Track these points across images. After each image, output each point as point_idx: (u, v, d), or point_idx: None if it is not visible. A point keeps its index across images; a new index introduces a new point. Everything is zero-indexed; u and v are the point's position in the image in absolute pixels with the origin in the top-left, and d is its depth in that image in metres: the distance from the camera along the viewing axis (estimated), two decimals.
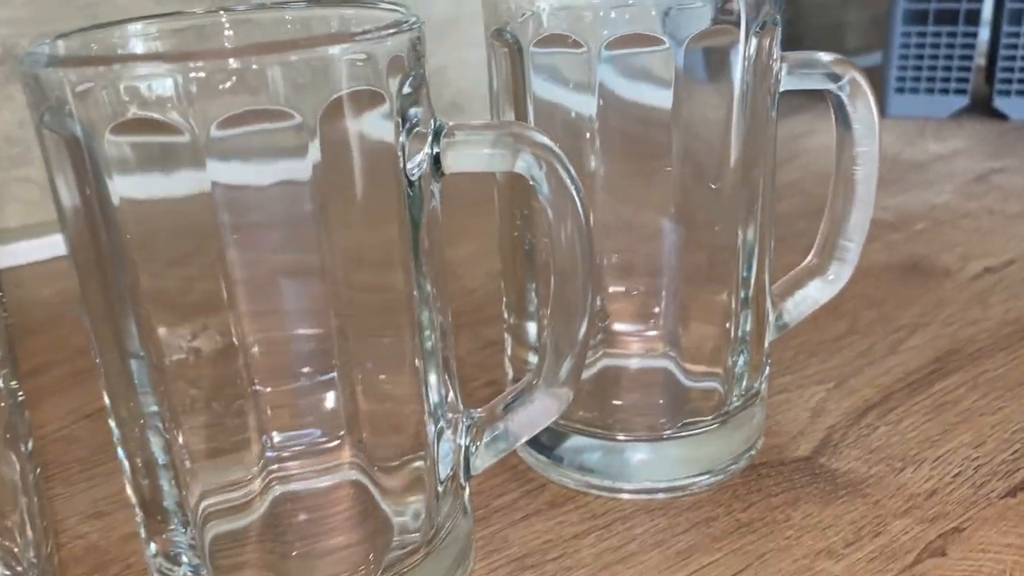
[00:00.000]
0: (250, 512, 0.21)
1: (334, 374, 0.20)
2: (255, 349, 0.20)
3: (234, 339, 0.19)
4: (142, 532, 0.22)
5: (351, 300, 0.20)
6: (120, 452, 0.22)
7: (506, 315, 0.29)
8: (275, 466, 0.21)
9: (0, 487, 0.19)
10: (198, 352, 0.19)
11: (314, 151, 0.18)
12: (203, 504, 0.21)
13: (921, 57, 0.66)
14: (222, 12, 0.21)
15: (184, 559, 0.22)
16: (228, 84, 0.17)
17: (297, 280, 0.20)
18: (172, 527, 0.21)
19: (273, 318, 0.20)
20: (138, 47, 0.21)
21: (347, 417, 0.21)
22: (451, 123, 0.21)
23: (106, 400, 0.21)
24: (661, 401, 0.28)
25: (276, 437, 0.21)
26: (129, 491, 0.22)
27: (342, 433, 0.21)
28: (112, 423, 0.21)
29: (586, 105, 0.24)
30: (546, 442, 0.28)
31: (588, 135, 0.24)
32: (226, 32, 0.21)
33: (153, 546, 0.22)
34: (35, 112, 0.18)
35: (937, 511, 0.26)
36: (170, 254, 0.19)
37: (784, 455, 0.29)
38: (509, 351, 0.29)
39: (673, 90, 0.24)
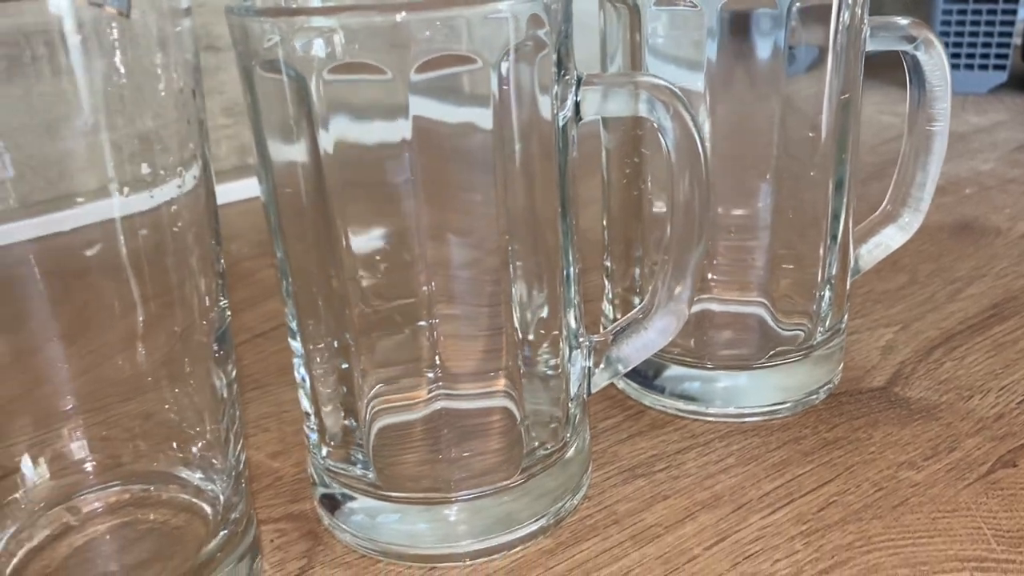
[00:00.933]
0: (413, 421, 0.25)
1: (499, 307, 0.23)
2: (433, 282, 0.22)
3: (419, 270, 0.22)
4: (313, 438, 0.25)
5: (517, 236, 0.23)
6: (302, 371, 0.25)
7: (608, 263, 0.32)
8: (439, 384, 0.24)
9: (212, 400, 0.22)
10: (387, 278, 0.23)
11: (493, 94, 0.21)
12: (375, 412, 0.24)
13: (961, 34, 0.69)
14: None
15: (356, 458, 0.25)
16: (426, 33, 0.20)
17: (473, 215, 0.22)
18: (349, 430, 0.25)
19: (450, 251, 0.23)
20: None
21: (507, 345, 0.24)
22: (587, 73, 0.24)
23: (292, 323, 0.24)
24: (753, 338, 0.30)
25: (443, 360, 0.24)
26: (306, 404, 0.25)
27: (499, 359, 0.24)
28: (297, 343, 0.24)
29: (696, 67, 0.27)
30: (647, 373, 0.31)
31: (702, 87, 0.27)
32: None
33: (324, 450, 0.25)
34: (244, 60, 0.21)
35: (1005, 431, 0.29)
36: (368, 191, 0.22)
37: (861, 386, 0.32)
38: (610, 295, 0.32)
39: (781, 50, 0.26)
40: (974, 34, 0.68)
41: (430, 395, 0.24)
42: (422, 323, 0.23)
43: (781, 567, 0.24)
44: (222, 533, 0.23)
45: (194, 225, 0.21)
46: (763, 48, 0.27)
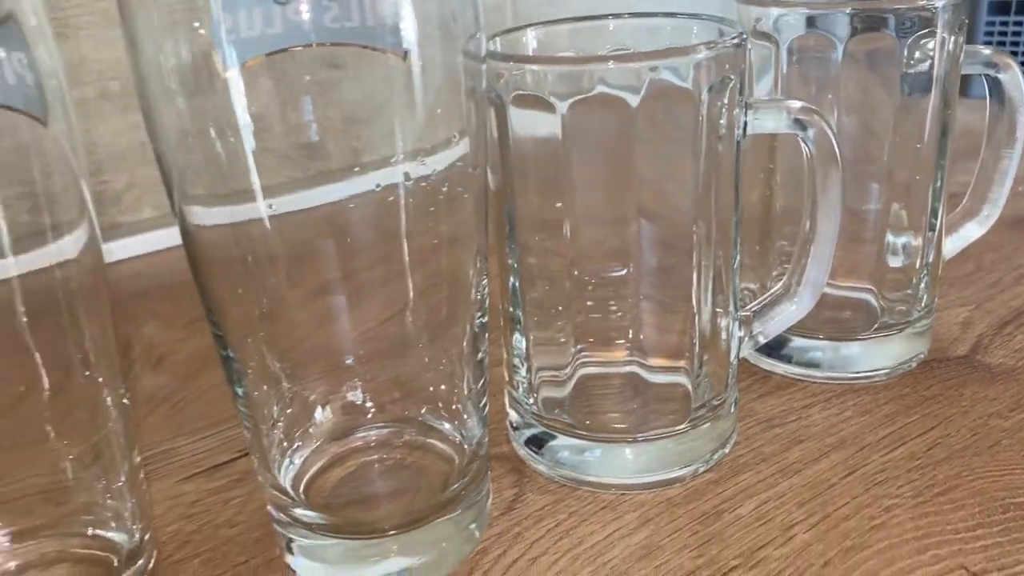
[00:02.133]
0: (564, 386, 0.31)
1: (687, 288, 0.30)
2: (577, 270, 0.29)
3: (568, 255, 0.29)
4: (522, 390, 0.32)
5: (704, 226, 0.29)
6: (518, 336, 0.31)
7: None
8: (583, 355, 0.30)
9: (472, 362, 0.29)
10: (550, 264, 0.29)
11: (700, 116, 0.27)
12: (538, 378, 0.31)
13: (1003, 44, 0.75)
14: (609, 17, 0.31)
15: (563, 405, 0.31)
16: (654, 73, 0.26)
17: (676, 211, 0.29)
18: (521, 391, 0.31)
19: (655, 237, 0.29)
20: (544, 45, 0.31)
21: (689, 322, 0.30)
22: (751, 99, 0.30)
23: (514, 301, 0.31)
24: (861, 316, 0.36)
25: (585, 334, 0.30)
26: (519, 364, 0.31)
27: (682, 335, 0.30)
28: (519, 311, 0.31)
29: (826, 90, 0.33)
30: (772, 344, 0.37)
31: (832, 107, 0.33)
32: (610, 31, 0.31)
33: (532, 398, 0.32)
34: (501, 96, 0.28)
35: None
36: (536, 180, 0.28)
37: (947, 355, 0.38)
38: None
39: (897, 77, 0.33)
40: (1015, 43, 0.74)
41: (625, 361, 0.30)
42: (623, 300, 0.29)
43: (904, 491, 0.30)
44: (470, 473, 0.29)
45: (470, 202, 0.27)
46: (883, 75, 0.33)
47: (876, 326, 0.36)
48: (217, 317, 0.26)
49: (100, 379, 0.23)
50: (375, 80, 0.25)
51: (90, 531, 0.25)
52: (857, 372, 0.36)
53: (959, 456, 0.32)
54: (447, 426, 0.29)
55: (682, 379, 0.31)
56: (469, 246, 0.28)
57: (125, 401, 0.24)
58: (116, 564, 0.25)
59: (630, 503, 0.30)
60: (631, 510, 0.30)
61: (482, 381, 0.29)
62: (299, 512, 0.27)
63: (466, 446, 0.29)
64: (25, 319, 0.22)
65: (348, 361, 0.28)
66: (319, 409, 0.29)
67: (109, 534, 0.25)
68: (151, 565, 0.25)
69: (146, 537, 0.25)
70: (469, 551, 0.29)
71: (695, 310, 0.30)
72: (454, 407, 0.29)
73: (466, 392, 0.29)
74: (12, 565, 0.25)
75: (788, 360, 0.37)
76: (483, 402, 0.29)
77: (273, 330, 0.27)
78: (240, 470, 0.34)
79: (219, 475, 0.34)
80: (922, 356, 0.38)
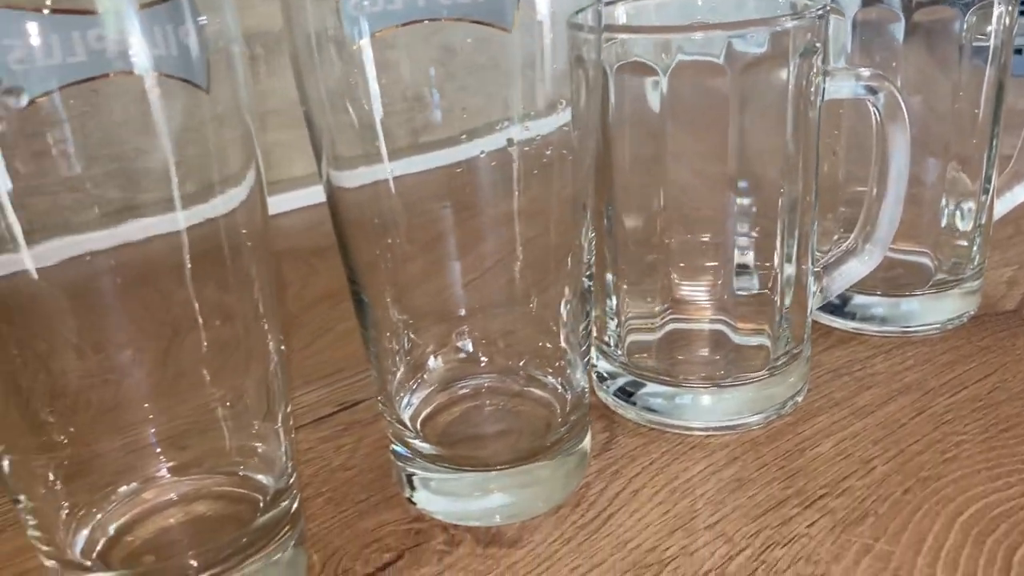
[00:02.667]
0: (653, 338, 0.33)
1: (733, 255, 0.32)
2: (670, 235, 0.31)
3: (662, 220, 0.31)
4: (613, 344, 0.34)
5: (791, 179, 0.31)
6: (613, 297, 0.33)
7: None
8: (671, 313, 0.33)
9: (580, 313, 0.31)
10: (644, 227, 0.31)
11: (790, 82, 0.29)
12: (628, 330, 0.33)
13: None
14: None
15: (649, 352, 0.33)
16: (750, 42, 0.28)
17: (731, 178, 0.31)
18: (611, 344, 0.33)
19: (694, 212, 0.31)
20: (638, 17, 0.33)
21: (720, 284, 0.32)
22: (829, 67, 0.32)
23: (608, 273, 0.33)
24: (918, 274, 0.39)
25: (675, 295, 0.32)
26: (611, 322, 0.34)
27: (718, 296, 0.33)
28: (610, 275, 0.33)
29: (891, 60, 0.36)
30: (835, 302, 0.40)
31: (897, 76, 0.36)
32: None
33: (619, 351, 0.34)
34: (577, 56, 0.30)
35: None
36: (634, 147, 0.31)
37: (996, 310, 0.41)
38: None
39: (957, 48, 0.35)
40: None
41: (712, 319, 0.33)
42: (713, 263, 0.32)
43: (971, 429, 0.32)
44: (572, 419, 0.31)
45: (575, 164, 0.29)
46: (944, 47, 0.35)
47: (931, 284, 0.39)
48: (355, 273, 0.29)
49: (266, 326, 0.26)
50: (488, 52, 0.27)
51: (240, 471, 0.27)
52: (914, 326, 0.39)
53: (1018, 398, 0.34)
54: (551, 375, 0.32)
55: (765, 339, 0.33)
56: (576, 206, 0.30)
57: (283, 348, 0.27)
58: (262, 505, 0.27)
59: (716, 443, 0.33)
60: (718, 449, 0.32)
61: (586, 334, 0.31)
62: (418, 444, 0.30)
63: (569, 395, 0.31)
64: (198, 268, 0.24)
65: (460, 313, 0.31)
66: (433, 358, 0.31)
67: (258, 475, 0.27)
68: (295, 506, 0.28)
69: (291, 479, 0.28)
70: (574, 486, 0.31)
71: (779, 271, 0.32)
72: (559, 359, 0.31)
73: (572, 344, 0.31)
74: (172, 496, 0.27)
75: (851, 316, 0.39)
76: (586, 354, 0.31)
77: (396, 284, 0.30)
78: (343, 422, 0.36)
79: (324, 426, 0.36)
80: (972, 312, 0.40)
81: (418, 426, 0.31)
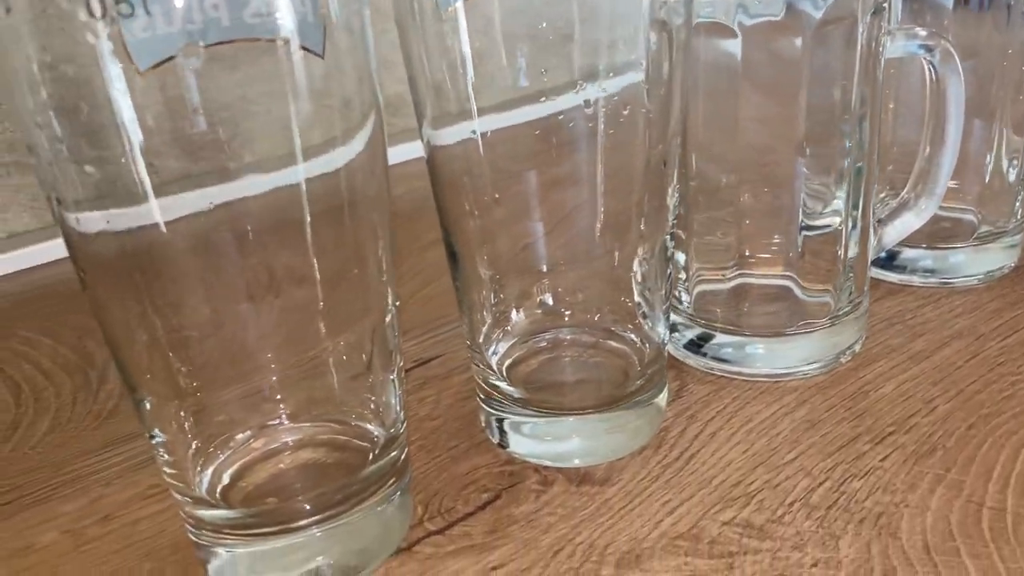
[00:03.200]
0: (722, 287, 0.35)
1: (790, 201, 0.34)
2: (743, 195, 0.33)
3: (732, 178, 0.32)
4: (685, 299, 0.36)
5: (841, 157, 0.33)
6: (680, 253, 0.35)
7: None
8: (739, 268, 0.34)
9: (660, 262, 0.33)
10: (715, 185, 0.33)
11: (860, 39, 0.31)
12: (697, 281, 0.35)
13: None
14: None
15: (718, 303, 0.35)
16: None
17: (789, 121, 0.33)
18: (682, 299, 0.35)
19: (763, 170, 0.33)
20: None
21: (788, 241, 0.34)
22: (888, 27, 0.34)
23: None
24: (964, 229, 0.41)
25: (744, 252, 0.34)
26: (682, 273, 0.36)
27: (786, 253, 0.34)
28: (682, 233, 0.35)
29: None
30: (884, 256, 0.41)
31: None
32: None
33: (687, 303, 0.36)
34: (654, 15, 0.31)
35: None
36: (708, 105, 0.32)
37: None
38: None
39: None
40: None
41: (780, 275, 0.34)
42: (781, 221, 0.33)
43: None
44: (651, 369, 0.33)
45: (652, 121, 0.31)
46: (993, 9, 0.37)
47: (974, 237, 0.40)
48: (448, 228, 0.30)
49: (384, 277, 0.27)
50: (568, 14, 0.29)
51: (353, 420, 0.29)
52: (958, 277, 0.41)
53: None
54: (630, 331, 0.33)
55: (829, 295, 0.35)
56: (658, 165, 0.31)
57: (397, 301, 0.28)
58: (371, 456, 0.29)
59: (784, 388, 0.35)
60: (787, 393, 0.34)
61: (667, 287, 0.33)
62: (506, 388, 0.32)
63: (648, 346, 0.33)
64: (318, 219, 0.26)
65: (543, 269, 0.32)
66: (516, 311, 0.33)
67: (369, 425, 0.29)
68: (404, 455, 0.29)
69: (402, 429, 0.29)
70: (652, 432, 0.33)
71: (845, 226, 0.34)
72: (638, 314, 0.33)
73: (650, 301, 0.33)
74: (288, 441, 0.29)
75: (901, 269, 0.41)
76: (667, 311, 0.33)
77: (483, 240, 0.31)
78: (420, 376, 0.38)
79: (405, 380, 0.37)
80: (1012, 264, 0.42)
81: (504, 373, 0.32)
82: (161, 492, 0.32)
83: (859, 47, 0.31)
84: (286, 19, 0.23)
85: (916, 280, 0.41)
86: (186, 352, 0.26)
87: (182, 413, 0.27)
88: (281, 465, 0.29)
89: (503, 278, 0.32)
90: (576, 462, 0.31)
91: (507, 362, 0.33)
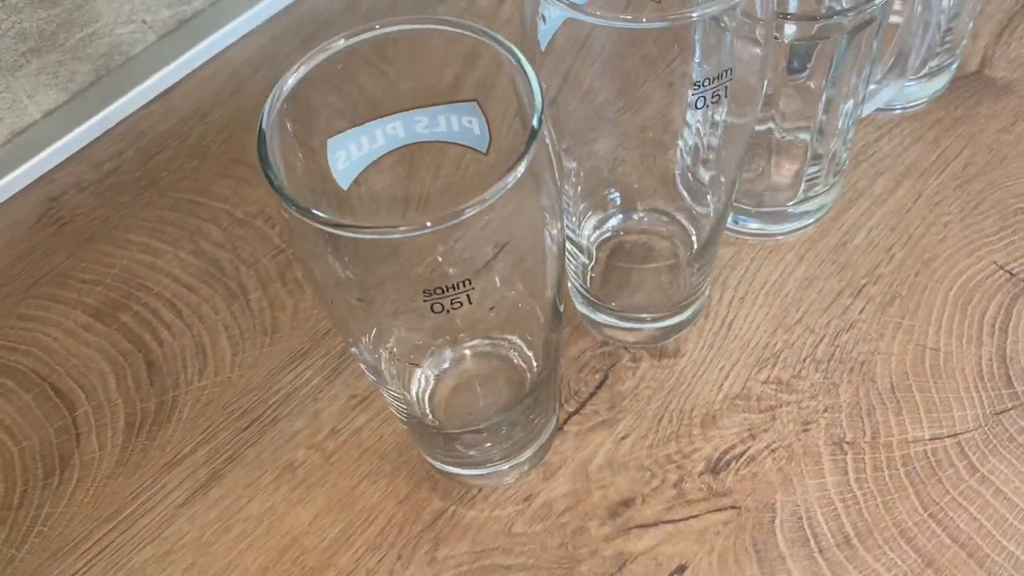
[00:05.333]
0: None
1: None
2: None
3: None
4: None
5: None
6: None
7: None
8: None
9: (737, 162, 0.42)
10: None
11: None
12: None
13: None
14: None
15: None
16: None
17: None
18: None
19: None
20: None
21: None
22: None
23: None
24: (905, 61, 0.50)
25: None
26: None
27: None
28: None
29: None
30: None
31: None
32: None
33: None
34: None
35: None
36: None
37: (965, 72, 0.53)
38: None
39: None
40: None
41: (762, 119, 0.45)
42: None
43: (953, 209, 0.47)
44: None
45: None
46: None
47: (924, 72, 0.50)
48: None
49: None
50: None
51: (515, 356, 0.41)
52: (908, 105, 0.51)
53: (983, 173, 0.48)
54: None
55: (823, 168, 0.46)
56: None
57: None
58: (529, 376, 0.41)
59: (785, 247, 0.47)
60: (789, 250, 0.47)
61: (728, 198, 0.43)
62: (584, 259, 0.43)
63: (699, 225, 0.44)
64: None
65: (613, 170, 0.42)
66: (585, 203, 0.43)
67: (530, 352, 0.41)
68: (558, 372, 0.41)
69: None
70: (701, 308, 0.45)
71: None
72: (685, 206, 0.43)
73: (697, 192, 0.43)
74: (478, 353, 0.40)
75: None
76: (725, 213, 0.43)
77: (565, 131, 0.39)
78: None
79: None
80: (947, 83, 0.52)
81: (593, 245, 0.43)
82: (361, 400, 0.44)
83: None
84: None
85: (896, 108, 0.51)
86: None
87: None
88: (471, 377, 0.41)
89: (580, 169, 0.41)
90: (653, 341, 0.44)
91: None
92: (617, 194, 0.42)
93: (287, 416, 0.44)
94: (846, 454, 0.40)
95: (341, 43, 0.28)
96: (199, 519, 0.41)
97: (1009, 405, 0.41)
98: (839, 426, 0.41)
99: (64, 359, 0.47)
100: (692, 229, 0.42)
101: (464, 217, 0.25)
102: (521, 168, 0.26)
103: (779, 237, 0.47)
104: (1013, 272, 0.45)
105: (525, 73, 0.28)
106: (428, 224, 0.24)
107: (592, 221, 0.44)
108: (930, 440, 0.40)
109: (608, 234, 0.43)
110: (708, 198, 0.41)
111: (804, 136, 0.44)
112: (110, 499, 0.42)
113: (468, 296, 0.27)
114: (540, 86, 0.28)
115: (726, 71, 0.32)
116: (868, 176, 0.49)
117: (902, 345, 0.43)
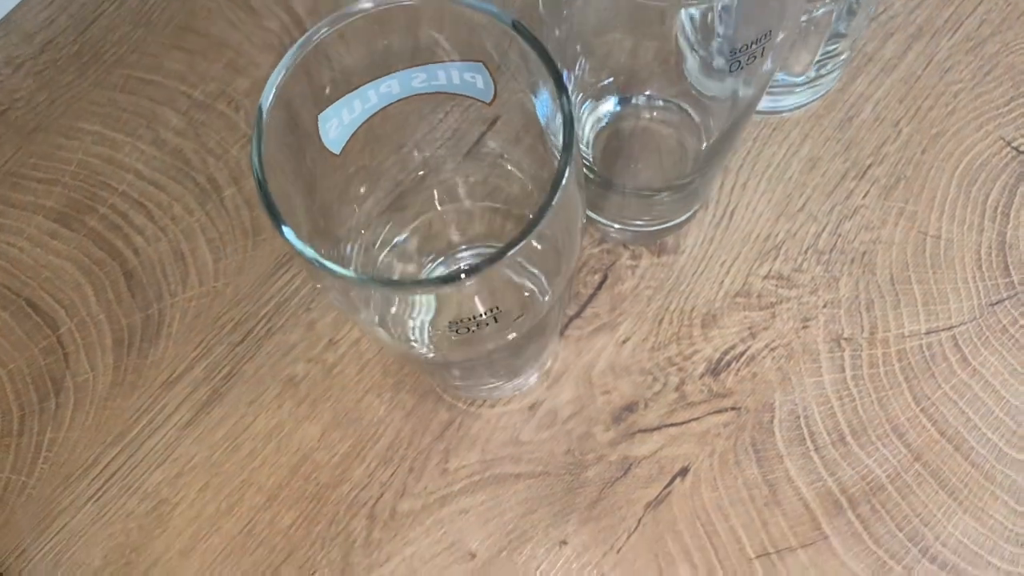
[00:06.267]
0: None
1: None
2: None
3: None
4: None
5: None
6: None
7: None
8: None
9: None
10: None
11: None
12: None
13: None
14: None
15: None
16: None
17: None
18: None
19: None
20: None
21: None
22: None
23: None
24: None
25: None
26: None
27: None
28: None
29: None
30: None
31: None
32: None
33: None
34: None
35: None
36: None
37: None
38: None
39: None
40: None
41: None
42: None
43: (965, 75, 0.45)
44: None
45: None
46: None
47: None
48: None
49: None
50: None
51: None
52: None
53: (998, 32, 0.45)
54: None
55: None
56: None
57: None
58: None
59: (789, 124, 0.45)
60: (793, 128, 0.45)
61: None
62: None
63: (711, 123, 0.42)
64: None
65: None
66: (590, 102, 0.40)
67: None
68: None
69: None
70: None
71: None
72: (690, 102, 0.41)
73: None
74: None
75: None
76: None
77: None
78: None
79: None
80: None
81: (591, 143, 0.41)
82: None
83: None
84: None
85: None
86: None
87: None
88: None
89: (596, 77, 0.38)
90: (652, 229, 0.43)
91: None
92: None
93: (281, 328, 0.43)
94: (844, 351, 0.41)
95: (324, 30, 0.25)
96: (206, 439, 0.41)
97: (1004, 295, 0.42)
98: (838, 322, 0.42)
99: (35, 271, 0.44)
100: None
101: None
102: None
103: (784, 114, 0.45)
104: (1020, 149, 0.43)
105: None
106: (463, 276, 0.22)
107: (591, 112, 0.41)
108: (926, 334, 0.41)
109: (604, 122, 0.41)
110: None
111: (829, 10, 0.40)
112: (111, 422, 0.42)
113: (495, 317, 0.26)
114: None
115: None
116: (878, 37, 0.46)
117: (904, 233, 0.43)
